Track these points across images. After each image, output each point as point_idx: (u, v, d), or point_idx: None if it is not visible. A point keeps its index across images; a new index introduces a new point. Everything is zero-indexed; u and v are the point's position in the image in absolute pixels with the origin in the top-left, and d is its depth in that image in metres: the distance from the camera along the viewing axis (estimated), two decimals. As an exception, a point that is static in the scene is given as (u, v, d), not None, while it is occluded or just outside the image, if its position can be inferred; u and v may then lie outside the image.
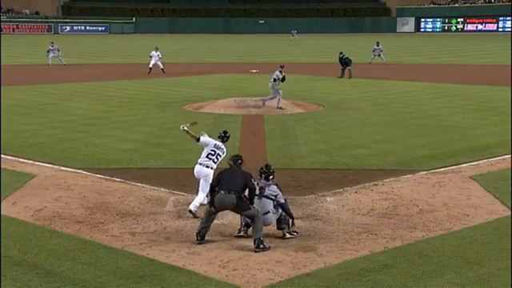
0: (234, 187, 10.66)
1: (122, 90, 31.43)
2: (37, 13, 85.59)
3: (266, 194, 10.75)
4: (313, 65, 41.62)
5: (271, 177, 11.03)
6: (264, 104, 24.29)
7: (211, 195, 10.99)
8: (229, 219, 11.09)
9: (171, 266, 9.61)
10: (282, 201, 10.86)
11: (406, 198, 12.85)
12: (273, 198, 10.79)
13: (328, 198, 12.91)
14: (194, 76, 36.71)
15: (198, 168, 12.24)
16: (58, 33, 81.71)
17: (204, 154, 12.33)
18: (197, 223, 10.90)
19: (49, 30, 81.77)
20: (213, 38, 78.93)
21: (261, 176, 11.04)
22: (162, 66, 37.16)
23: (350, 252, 9.97)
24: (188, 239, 10.83)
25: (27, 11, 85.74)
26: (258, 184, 10.85)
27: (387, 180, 14.25)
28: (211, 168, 12.12)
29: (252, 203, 10.64)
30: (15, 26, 79.18)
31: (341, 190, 13.62)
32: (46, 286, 8.94)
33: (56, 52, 44.34)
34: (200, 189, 12.10)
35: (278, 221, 10.81)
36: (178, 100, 27.12)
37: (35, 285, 8.89)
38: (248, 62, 45.19)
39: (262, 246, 10.24)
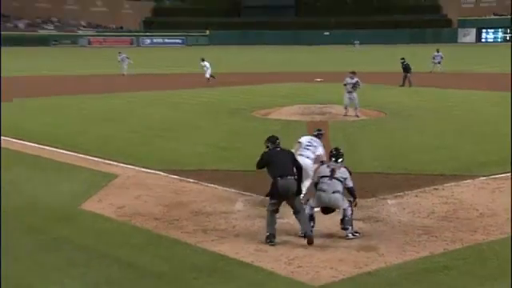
0: (290, 170, 10.51)
1: (196, 97, 31.73)
2: (121, 27, 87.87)
3: (336, 175, 10.65)
4: (375, 74, 41.07)
5: (340, 159, 11.02)
6: (357, 113, 23.83)
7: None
8: (293, 218, 10.89)
9: (240, 261, 9.66)
10: (351, 184, 10.81)
11: (466, 203, 12.46)
12: (342, 180, 10.71)
13: (389, 201, 12.72)
14: (263, 84, 36.76)
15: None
16: (140, 45, 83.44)
17: (302, 148, 12.53)
18: (263, 222, 10.85)
19: (132, 42, 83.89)
20: (281, 49, 78.86)
21: (330, 158, 11.10)
22: (208, 76, 37.04)
23: (411, 253, 9.80)
24: (255, 237, 10.80)
25: (113, 26, 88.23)
26: (328, 166, 10.91)
27: (447, 185, 13.84)
28: (309, 158, 12.19)
29: (301, 181, 10.79)
30: (103, 40, 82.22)
31: (401, 193, 13.36)
32: (128, 277, 9.21)
33: (126, 60, 45.38)
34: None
35: (342, 221, 10.66)
36: (247, 107, 27.19)
37: (117, 276, 9.19)
38: (313, 71, 44.99)
39: (311, 233, 10.35)
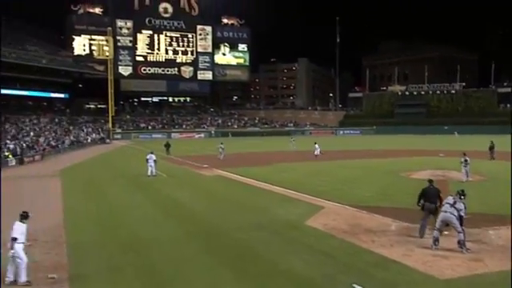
0: (434, 199, 10.96)
1: (358, 164, 30.78)
2: (326, 125, 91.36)
3: (456, 206, 10.31)
4: (472, 152, 35.91)
5: (463, 197, 10.56)
6: (467, 176, 21.59)
7: (420, 201, 11.28)
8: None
9: (393, 260, 9.74)
10: (463, 214, 10.31)
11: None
12: (458, 209, 10.28)
13: (490, 231, 12.02)
14: (403, 157, 34.33)
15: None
16: (336, 135, 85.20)
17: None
18: (405, 238, 10.97)
19: (332, 133, 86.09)
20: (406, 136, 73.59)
21: (457, 194, 10.62)
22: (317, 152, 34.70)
23: (507, 264, 9.33)
24: (403, 246, 10.68)
25: (322, 124, 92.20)
26: (454, 198, 10.49)
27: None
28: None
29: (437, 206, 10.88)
30: (317, 132, 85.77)
31: (498, 227, 12.40)
32: (325, 262, 9.67)
33: (293, 142, 44.33)
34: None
35: (459, 242, 10.33)
36: (396, 170, 25.71)
37: (316, 260, 9.73)
38: (437, 149, 40.29)
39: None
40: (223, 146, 35.39)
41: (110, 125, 74.50)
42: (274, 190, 19.48)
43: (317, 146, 35.12)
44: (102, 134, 69.37)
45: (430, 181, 11.80)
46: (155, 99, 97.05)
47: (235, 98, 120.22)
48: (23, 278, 8.74)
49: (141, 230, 12.93)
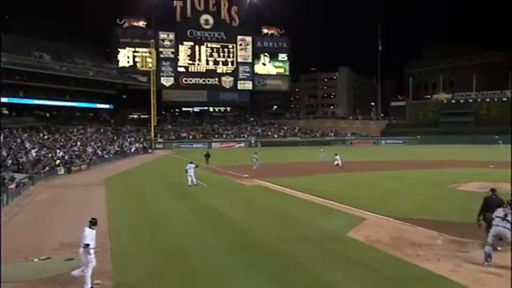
0: (494, 209, 10.39)
1: (417, 175, 30.07)
2: (367, 134, 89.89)
3: (507, 218, 9.98)
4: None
5: None
6: None
7: (481, 214, 10.90)
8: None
9: (440, 275, 9.50)
10: None
11: None
12: (511, 222, 9.90)
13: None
14: (452, 168, 32.99)
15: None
16: (378, 144, 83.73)
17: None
18: (453, 252, 10.70)
19: (374, 143, 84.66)
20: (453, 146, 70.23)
21: (507, 205, 10.27)
22: (337, 163, 34.21)
23: None
24: (451, 261, 10.32)
25: (363, 133, 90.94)
26: (504, 210, 10.16)
27: None
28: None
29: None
30: (358, 141, 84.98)
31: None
32: (367, 276, 9.52)
33: (323, 153, 42.92)
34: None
35: None
36: (442, 181, 24.93)
37: (358, 274, 9.64)
38: (487, 160, 38.42)
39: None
40: (257, 156, 35.48)
41: (153, 134, 76.48)
42: (316, 201, 19.54)
43: (337, 157, 34.97)
44: (144, 144, 71.43)
45: (493, 190, 11.26)
46: (196, 109, 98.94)
47: (275, 107, 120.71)
48: (89, 285, 9.10)
49: (182, 239, 13.19)
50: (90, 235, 9.31)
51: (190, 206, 19.23)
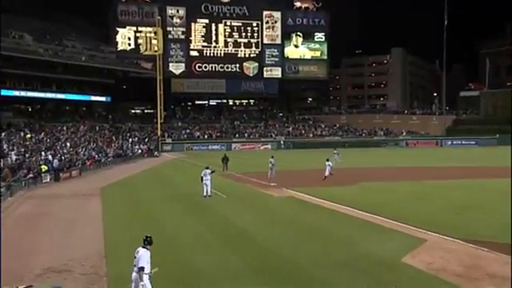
0: None
1: (495, 186, 29.29)
2: (428, 133, 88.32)
3: None
4: None
5: None
6: None
7: None
8: None
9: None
10: None
11: None
12: None
13: None
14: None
15: None
16: (442, 146, 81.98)
17: None
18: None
19: (436, 144, 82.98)
20: None
21: None
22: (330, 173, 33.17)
23: None
24: None
25: (423, 132, 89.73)
26: None
27: None
28: None
29: None
30: (416, 142, 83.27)
31: None
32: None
33: (337, 156, 44.08)
34: None
35: None
36: None
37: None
38: None
39: None
40: (274, 160, 34.91)
41: (159, 133, 77.66)
42: (361, 217, 19.58)
43: (329, 163, 33.57)
44: (149, 145, 72.48)
45: None
46: (212, 102, 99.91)
47: (310, 99, 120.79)
48: None
49: (194, 262, 13.24)
50: (145, 257, 9.46)
51: (206, 221, 19.38)
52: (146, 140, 75.46)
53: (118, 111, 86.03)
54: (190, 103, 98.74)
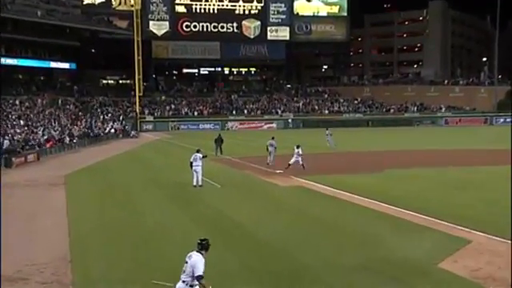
0: None
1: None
2: (474, 109, 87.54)
3: None
4: None
5: None
6: None
7: None
8: None
9: None
10: None
11: None
12: None
13: None
14: None
15: None
16: (492, 124, 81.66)
17: None
18: None
19: (485, 122, 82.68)
20: None
21: None
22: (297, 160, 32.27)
23: None
24: None
25: (467, 107, 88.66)
26: None
27: None
28: None
29: None
30: (458, 120, 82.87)
31: None
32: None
33: (330, 138, 46.00)
34: None
35: None
36: None
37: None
38: None
39: None
40: (274, 142, 34.94)
41: (138, 110, 77.84)
42: (387, 211, 19.61)
43: (298, 150, 31.73)
44: (124, 124, 72.70)
45: None
46: (204, 71, 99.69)
47: (325, 67, 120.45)
48: None
49: (178, 260, 13.13)
50: (200, 264, 9.45)
51: (196, 215, 19.45)
52: (122, 117, 75.63)
53: (86, 82, 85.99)
54: (175, 72, 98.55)
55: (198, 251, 9.64)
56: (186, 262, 9.58)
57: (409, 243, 15.11)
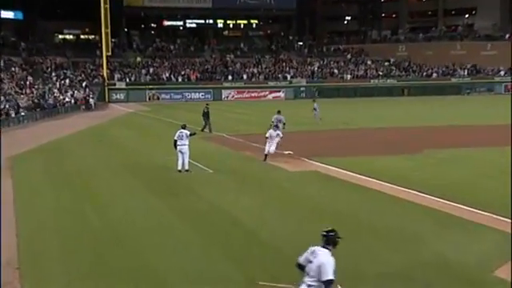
0: None
1: None
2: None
3: None
4: None
5: None
6: None
7: None
8: None
9: None
10: None
11: None
12: None
13: None
14: None
15: None
16: None
17: None
18: None
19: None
20: None
21: None
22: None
23: None
24: None
25: None
26: None
27: None
28: None
29: None
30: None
31: None
32: None
33: (316, 112, 47.62)
34: None
35: None
36: None
37: None
38: None
39: None
40: (283, 118, 35.46)
41: (105, 74, 77.96)
42: (426, 203, 19.70)
43: (278, 132, 30.16)
44: (88, 92, 72.74)
45: None
46: (191, 24, 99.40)
47: (348, 19, 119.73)
48: None
49: (163, 269, 13.29)
50: (330, 263, 9.42)
51: (182, 209, 19.48)
52: (84, 84, 75.76)
53: (37, 36, 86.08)
54: (153, 25, 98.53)
55: (323, 246, 9.61)
56: (310, 262, 9.46)
57: (458, 245, 15.04)
